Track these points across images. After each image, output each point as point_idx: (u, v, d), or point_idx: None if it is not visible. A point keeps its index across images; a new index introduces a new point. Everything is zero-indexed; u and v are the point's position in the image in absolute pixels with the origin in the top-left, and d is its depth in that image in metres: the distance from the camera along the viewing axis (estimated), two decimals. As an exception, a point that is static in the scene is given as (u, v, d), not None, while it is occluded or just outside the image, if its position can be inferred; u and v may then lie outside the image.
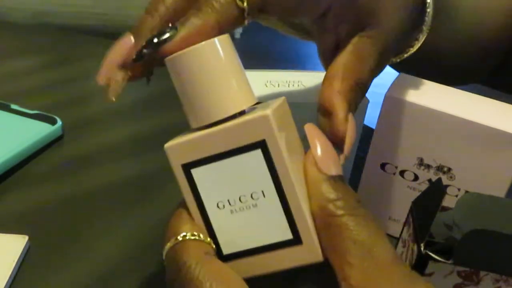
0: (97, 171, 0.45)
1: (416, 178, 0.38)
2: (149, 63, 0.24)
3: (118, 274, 0.35)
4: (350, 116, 0.27)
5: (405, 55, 0.35)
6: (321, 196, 0.23)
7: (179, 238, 0.23)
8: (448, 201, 0.31)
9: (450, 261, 0.27)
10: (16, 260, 0.34)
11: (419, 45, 0.34)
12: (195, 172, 0.23)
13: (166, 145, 0.23)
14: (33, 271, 0.34)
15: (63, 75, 0.60)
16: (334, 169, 0.23)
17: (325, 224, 0.23)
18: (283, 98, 0.25)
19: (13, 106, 0.49)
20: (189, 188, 0.24)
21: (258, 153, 0.22)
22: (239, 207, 0.23)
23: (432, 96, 0.36)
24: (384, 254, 0.22)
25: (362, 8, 0.28)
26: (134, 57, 0.24)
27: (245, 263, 0.24)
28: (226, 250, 0.24)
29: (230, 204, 0.23)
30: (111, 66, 0.25)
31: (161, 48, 0.23)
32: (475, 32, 0.44)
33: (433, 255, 0.27)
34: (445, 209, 0.30)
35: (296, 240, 0.23)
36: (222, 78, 0.23)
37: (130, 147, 0.48)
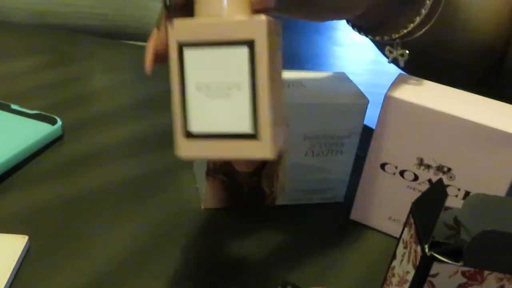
0: (97, 171, 0.45)
1: (416, 178, 0.38)
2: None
3: (118, 274, 0.35)
4: None
5: (397, 35, 0.37)
6: None
7: None
8: (448, 201, 0.31)
9: (460, 263, 0.27)
10: (16, 260, 0.34)
11: (419, 32, 0.34)
12: (187, 52, 0.25)
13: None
14: (33, 271, 0.34)
15: (63, 75, 0.60)
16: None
17: None
18: (279, 20, 0.27)
19: (13, 106, 0.49)
20: (177, 65, 0.26)
21: (244, 51, 0.25)
22: (214, 94, 0.25)
23: (432, 96, 0.36)
24: None
25: None
26: (167, 12, 0.26)
27: (205, 144, 0.26)
28: (192, 128, 0.26)
29: (207, 88, 0.26)
30: (150, 56, 0.28)
31: None
32: (475, 31, 0.44)
33: (439, 257, 0.27)
34: (445, 208, 0.30)
35: (255, 135, 0.25)
36: None
37: (130, 147, 0.48)
